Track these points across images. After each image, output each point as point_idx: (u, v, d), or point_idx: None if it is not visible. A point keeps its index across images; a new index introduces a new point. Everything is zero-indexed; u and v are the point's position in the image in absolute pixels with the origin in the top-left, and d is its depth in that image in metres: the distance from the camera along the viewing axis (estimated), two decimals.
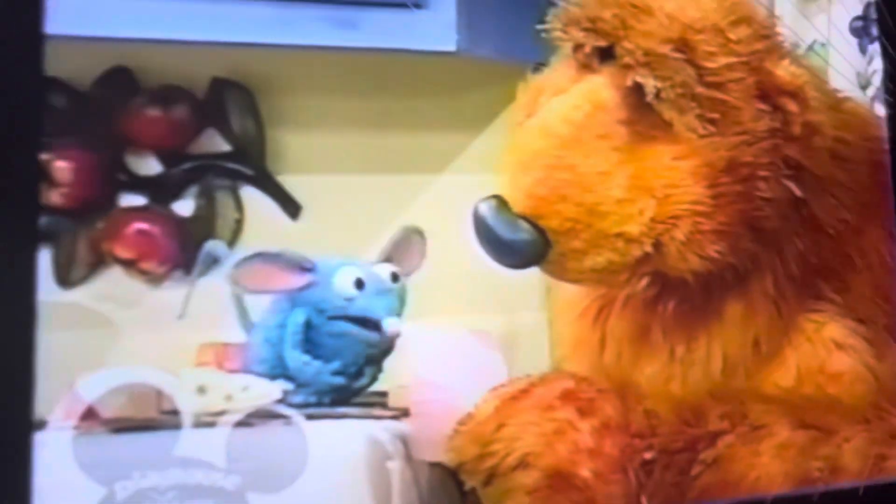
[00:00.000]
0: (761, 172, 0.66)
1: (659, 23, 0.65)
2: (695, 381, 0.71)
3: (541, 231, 0.65)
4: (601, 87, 0.68)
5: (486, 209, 0.67)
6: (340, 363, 0.87)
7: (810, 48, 0.95)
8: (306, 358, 0.86)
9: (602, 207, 0.65)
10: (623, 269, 0.68)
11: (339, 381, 0.87)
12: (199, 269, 0.92)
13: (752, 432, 0.65)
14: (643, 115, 0.66)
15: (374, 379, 0.91)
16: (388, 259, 0.92)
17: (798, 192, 0.67)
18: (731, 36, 0.66)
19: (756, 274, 0.70)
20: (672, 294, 0.72)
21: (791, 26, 0.88)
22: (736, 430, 0.65)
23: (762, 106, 0.65)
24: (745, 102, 0.65)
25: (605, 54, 0.68)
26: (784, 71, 0.67)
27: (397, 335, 0.88)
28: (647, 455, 0.65)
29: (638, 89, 0.66)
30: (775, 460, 0.64)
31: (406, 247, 0.94)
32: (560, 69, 0.72)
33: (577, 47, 0.69)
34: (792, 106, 0.66)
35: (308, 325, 0.87)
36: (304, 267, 0.87)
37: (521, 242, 0.65)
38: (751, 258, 0.69)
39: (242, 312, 0.92)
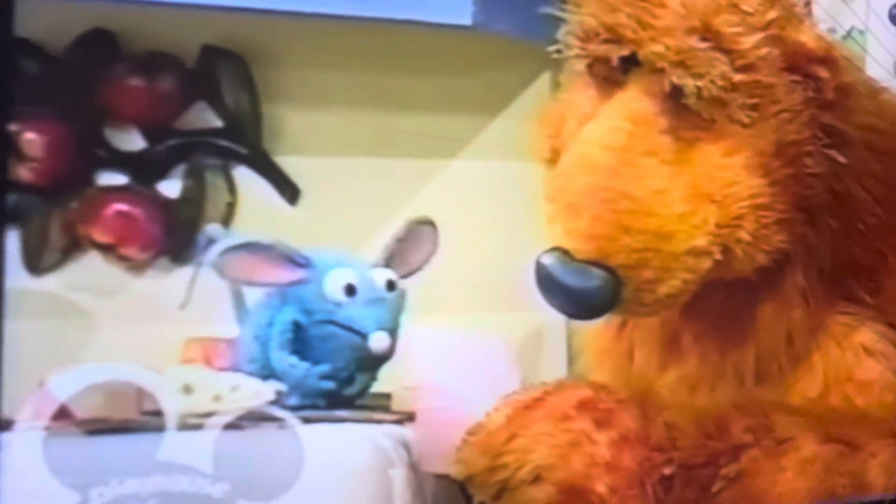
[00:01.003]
0: (807, 147, 0.67)
1: (675, 13, 0.65)
2: (725, 387, 0.72)
3: (611, 271, 0.65)
4: (633, 100, 0.67)
5: (551, 262, 0.66)
6: (330, 366, 0.85)
7: (848, 34, 0.96)
8: (293, 359, 0.84)
9: (667, 228, 0.65)
10: (695, 287, 0.67)
11: (328, 385, 0.85)
12: (201, 254, 0.88)
13: (776, 446, 0.65)
14: (683, 118, 0.66)
15: (366, 387, 0.88)
16: (393, 255, 0.89)
17: (842, 159, 0.67)
18: (745, 7, 0.66)
19: (788, 265, 0.70)
20: (704, 298, 0.71)
21: (829, 11, 0.89)
22: (761, 443, 0.65)
23: (793, 77, 0.66)
24: (776, 77, 0.66)
25: (628, 61, 0.67)
26: (808, 36, 0.67)
27: (385, 352, 0.85)
28: (667, 470, 0.65)
29: (674, 93, 0.66)
30: (799, 476, 0.64)
31: (415, 239, 0.91)
32: (578, 92, 0.72)
33: (595, 61, 0.68)
34: (822, 72, 0.66)
35: (297, 325, 0.86)
36: (296, 261, 0.85)
37: (595, 290, 0.65)
38: (800, 242, 0.69)
39: (238, 301, 0.89)
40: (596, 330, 0.80)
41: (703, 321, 0.73)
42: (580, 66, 0.69)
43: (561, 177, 0.70)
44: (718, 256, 0.66)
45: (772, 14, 0.67)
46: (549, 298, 0.67)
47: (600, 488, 0.64)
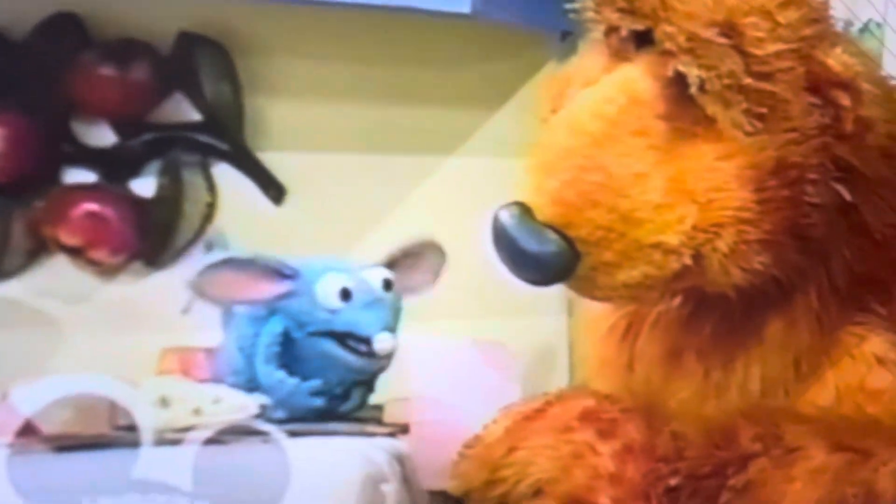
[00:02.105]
0: (810, 175, 0.66)
1: (703, 3, 0.65)
2: (730, 404, 0.72)
3: (569, 242, 0.65)
4: (637, 77, 0.68)
5: (507, 217, 0.66)
6: (322, 382, 0.84)
7: (865, 27, 0.97)
8: (281, 374, 0.84)
9: (638, 214, 0.65)
10: (659, 285, 0.68)
11: (318, 402, 0.84)
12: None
13: (786, 455, 0.66)
14: (684, 109, 0.66)
15: (363, 401, 0.87)
16: (391, 264, 0.88)
17: (848, 197, 0.68)
18: (780, 19, 0.67)
19: (800, 288, 0.71)
20: (709, 312, 0.72)
21: (846, 3, 0.90)
22: (770, 452, 0.66)
23: (812, 99, 0.66)
24: (794, 95, 0.66)
25: (642, 39, 0.68)
26: (836, 60, 0.67)
27: (390, 354, 0.85)
28: (673, 481, 0.65)
29: (679, 80, 0.66)
30: (808, 486, 0.64)
31: (418, 260, 0.90)
32: (589, 57, 0.73)
33: (611, 30, 0.69)
34: (844, 100, 0.66)
35: (286, 337, 0.84)
36: (282, 273, 0.84)
37: (547, 255, 0.65)
38: (796, 271, 0.70)
39: (227, 308, 0.88)
40: (597, 339, 0.80)
41: (705, 336, 0.73)
42: (598, 32, 0.70)
43: (546, 132, 0.70)
44: (688, 261, 0.65)
45: (806, 31, 0.67)
46: (500, 255, 0.67)
47: (604, 501, 0.64)
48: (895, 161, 0.72)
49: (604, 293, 0.69)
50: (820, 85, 0.67)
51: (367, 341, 0.84)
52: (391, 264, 0.89)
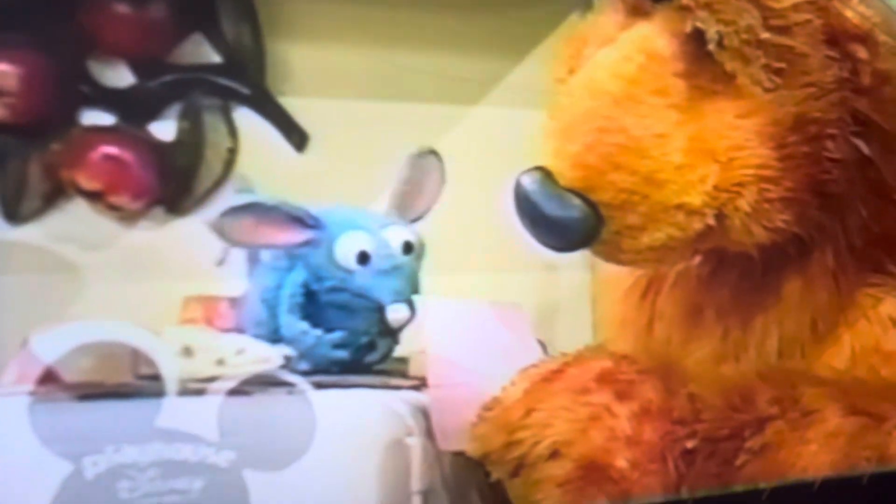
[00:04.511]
0: (829, 130, 0.65)
1: None
2: (748, 363, 0.71)
3: (592, 206, 0.64)
4: (655, 34, 0.66)
5: (529, 183, 0.65)
6: (345, 334, 0.82)
7: None
8: (304, 325, 0.82)
9: (660, 175, 0.64)
10: (682, 246, 0.67)
11: (341, 354, 0.82)
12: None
13: (802, 418, 0.65)
14: (703, 66, 0.65)
15: (388, 353, 0.85)
16: (401, 199, 0.86)
17: (867, 151, 0.67)
18: None
19: (817, 246, 0.70)
20: (729, 271, 0.72)
21: None
22: (786, 415, 0.65)
23: (830, 52, 0.65)
24: (812, 49, 0.65)
25: None
26: (853, 12, 0.66)
27: (403, 323, 0.83)
28: (690, 444, 0.64)
29: (697, 36, 0.64)
30: (823, 449, 0.64)
31: (421, 178, 0.87)
32: (606, 15, 0.71)
33: None
34: (862, 53, 0.66)
35: (307, 289, 0.82)
36: (305, 222, 0.82)
37: (571, 220, 0.64)
38: (816, 228, 0.69)
39: (253, 256, 0.86)
40: (616, 298, 0.79)
41: (724, 295, 0.72)
42: None
43: (566, 95, 0.69)
44: (711, 221, 0.65)
45: None
46: (523, 221, 0.66)
47: (620, 463, 0.63)
48: None
49: (629, 257, 0.68)
50: (837, 38, 0.66)
51: (379, 309, 0.82)
52: (398, 201, 0.87)
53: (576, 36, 0.73)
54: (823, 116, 0.65)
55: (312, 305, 0.83)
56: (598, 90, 0.66)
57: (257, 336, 0.82)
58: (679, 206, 0.64)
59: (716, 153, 0.64)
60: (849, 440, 0.64)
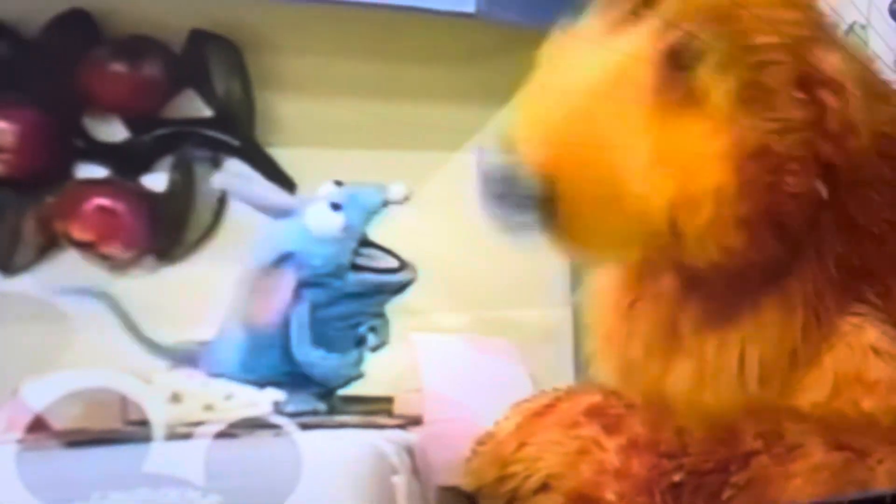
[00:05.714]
0: (791, 166, 0.67)
1: None
2: (728, 389, 0.72)
3: (551, 192, 0.66)
4: (637, 43, 0.68)
5: (494, 161, 0.67)
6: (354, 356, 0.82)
7: (850, 29, 0.96)
8: (320, 352, 0.81)
9: (619, 173, 0.66)
10: (634, 244, 0.68)
11: (356, 372, 0.82)
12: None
13: (786, 453, 0.66)
14: (676, 84, 0.67)
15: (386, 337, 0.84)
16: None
17: (825, 194, 0.68)
18: (782, 16, 0.68)
19: (795, 277, 0.71)
20: (697, 289, 0.73)
21: (832, 6, 0.91)
22: (770, 450, 0.66)
23: (799, 94, 0.67)
24: (781, 87, 0.67)
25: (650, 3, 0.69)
26: (829, 64, 0.68)
27: (405, 197, 0.83)
28: (677, 477, 0.65)
29: (675, 55, 0.67)
30: (808, 483, 0.65)
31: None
32: (593, 21, 0.73)
33: None
34: (831, 100, 0.67)
35: (313, 314, 0.81)
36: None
37: (529, 198, 0.66)
38: (788, 258, 0.70)
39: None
40: (603, 315, 0.80)
41: (701, 314, 0.73)
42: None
43: (546, 75, 0.71)
44: (663, 226, 0.66)
45: (804, 32, 0.68)
46: (483, 194, 0.68)
47: (609, 496, 0.64)
48: (892, 161, 0.73)
49: (580, 243, 0.69)
50: (810, 83, 0.68)
51: (384, 203, 0.83)
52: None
53: (565, 32, 0.74)
54: (786, 152, 0.67)
55: (319, 335, 0.82)
56: (577, 81, 0.68)
57: (249, 380, 0.81)
58: (633, 205, 0.65)
59: (676, 167, 0.66)
60: (833, 475, 0.65)
